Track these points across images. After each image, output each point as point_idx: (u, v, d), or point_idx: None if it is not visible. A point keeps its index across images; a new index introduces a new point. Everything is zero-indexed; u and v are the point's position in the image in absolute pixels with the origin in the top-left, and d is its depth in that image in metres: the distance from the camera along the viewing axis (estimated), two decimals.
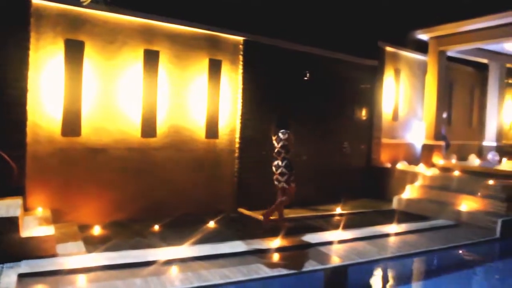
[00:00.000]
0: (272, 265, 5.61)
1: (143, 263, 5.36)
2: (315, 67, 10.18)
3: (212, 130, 8.70)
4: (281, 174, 7.28)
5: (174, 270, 5.29)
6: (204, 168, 8.66)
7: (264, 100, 9.32)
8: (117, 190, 7.63)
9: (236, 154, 9.07)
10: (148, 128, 7.92)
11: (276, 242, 6.49)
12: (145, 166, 7.95)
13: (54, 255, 5.41)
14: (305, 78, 9.94)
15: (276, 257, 6.03)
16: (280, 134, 7.36)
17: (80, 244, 5.94)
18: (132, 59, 7.72)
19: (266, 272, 5.35)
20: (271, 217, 7.52)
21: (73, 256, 5.45)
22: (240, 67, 9.01)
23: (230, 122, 8.98)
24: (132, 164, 7.80)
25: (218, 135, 8.80)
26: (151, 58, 7.89)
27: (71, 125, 7.14)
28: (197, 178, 8.56)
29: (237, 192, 9.07)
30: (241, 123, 9.04)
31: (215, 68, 8.67)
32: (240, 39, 8.97)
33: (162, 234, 6.89)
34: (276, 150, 7.37)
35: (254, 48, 9.12)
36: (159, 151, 8.09)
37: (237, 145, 9.06)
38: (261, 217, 7.76)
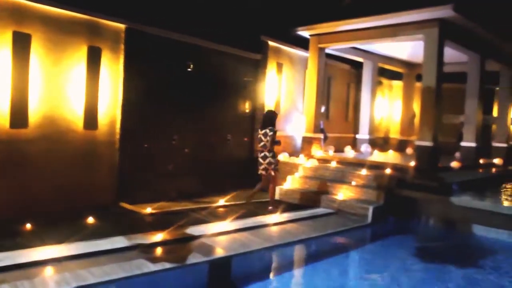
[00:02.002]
0: (155, 260, 5.49)
1: (12, 266, 4.93)
2: (200, 59, 10.13)
3: (90, 120, 8.25)
4: (269, 163, 8.70)
5: (49, 271, 4.95)
6: (82, 161, 8.19)
7: (147, 91, 9.07)
8: None
9: (117, 146, 8.71)
10: (18, 118, 7.26)
11: (159, 236, 6.37)
12: (15, 159, 7.28)
13: None
14: (189, 70, 9.84)
15: (159, 251, 5.93)
16: (267, 131, 8.67)
17: None
18: None
19: (149, 267, 5.23)
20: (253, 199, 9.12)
21: None
22: (122, 56, 8.65)
23: (111, 113, 8.58)
24: None
25: (97, 126, 8.37)
26: (21, 42, 7.22)
27: None
28: (75, 172, 8.07)
29: (118, 186, 8.73)
30: (122, 114, 8.70)
31: (94, 56, 8.22)
32: (122, 26, 8.60)
33: (36, 232, 6.37)
34: (262, 144, 8.72)
35: (137, 37, 8.81)
36: (31, 143, 7.47)
37: (117, 137, 8.70)
38: (144, 211, 7.94)
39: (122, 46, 8.64)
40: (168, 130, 9.57)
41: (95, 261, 5.30)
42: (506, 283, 5.97)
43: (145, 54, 9.02)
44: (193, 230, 6.85)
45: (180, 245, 6.22)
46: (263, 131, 8.73)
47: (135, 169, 8.92)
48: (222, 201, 9.12)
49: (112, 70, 8.54)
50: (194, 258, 5.67)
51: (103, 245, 5.82)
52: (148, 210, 7.99)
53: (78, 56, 8.01)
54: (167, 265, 5.35)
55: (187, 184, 9.78)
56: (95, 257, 5.42)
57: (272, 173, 8.78)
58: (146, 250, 5.85)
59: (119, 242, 6.02)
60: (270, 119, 8.85)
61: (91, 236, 6.20)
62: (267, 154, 8.71)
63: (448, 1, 9.39)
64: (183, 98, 9.79)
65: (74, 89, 7.98)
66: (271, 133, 8.65)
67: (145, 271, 5.11)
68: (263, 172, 8.78)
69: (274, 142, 8.73)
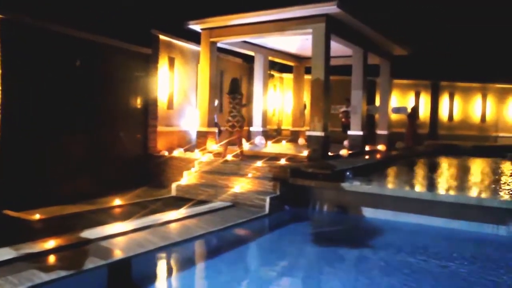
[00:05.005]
0: (48, 269, 5.13)
1: None
2: (89, 54, 9.64)
3: None
4: (238, 121, 10.45)
5: None
6: None
7: (30, 89, 8.42)
8: None
9: None
10: None
11: (51, 242, 5.97)
12: None
13: None
14: (77, 65, 9.31)
15: (52, 259, 5.55)
16: (237, 95, 10.53)
17: None
18: None
19: (41, 277, 4.86)
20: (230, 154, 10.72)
21: None
22: None
23: None
24: None
25: None
26: None
27: None
28: None
29: (0, 193, 8.02)
30: (2, 114, 7.98)
31: None
32: None
33: None
34: (232, 106, 10.44)
35: (16, 29, 8.12)
36: None
37: None
38: (32, 217, 7.41)
39: None
40: (57, 129, 8.98)
41: None
42: (394, 259, 6.46)
43: (26, 48, 8.35)
44: (88, 233, 6.50)
45: (75, 250, 5.88)
46: (232, 95, 10.51)
47: (20, 173, 8.25)
48: (117, 201, 8.79)
49: None
50: (91, 263, 5.38)
51: None
52: (37, 216, 7.45)
53: None
54: (62, 273, 5.02)
55: (80, 184, 9.29)
56: None
57: (239, 129, 10.51)
58: (37, 259, 5.45)
59: (4, 254, 5.51)
60: (237, 85, 10.73)
61: None
62: (236, 113, 10.44)
63: None
64: (71, 95, 9.25)
65: None
66: (240, 96, 10.55)
67: (37, 282, 4.75)
68: (229, 129, 10.51)
69: (243, 104, 10.88)
